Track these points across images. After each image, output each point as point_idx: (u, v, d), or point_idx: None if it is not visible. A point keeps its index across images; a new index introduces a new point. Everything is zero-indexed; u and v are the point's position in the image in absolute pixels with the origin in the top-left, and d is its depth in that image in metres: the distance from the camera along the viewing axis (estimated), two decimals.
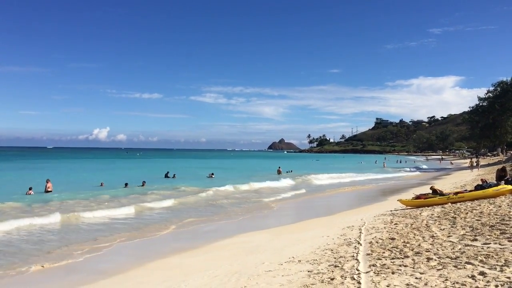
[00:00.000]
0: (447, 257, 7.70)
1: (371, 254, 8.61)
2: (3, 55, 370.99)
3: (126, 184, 30.93)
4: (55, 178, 35.53)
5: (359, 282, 6.63)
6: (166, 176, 43.55)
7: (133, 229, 16.53)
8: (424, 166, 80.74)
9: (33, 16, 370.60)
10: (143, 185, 31.60)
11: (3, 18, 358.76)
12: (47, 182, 28.32)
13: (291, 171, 51.82)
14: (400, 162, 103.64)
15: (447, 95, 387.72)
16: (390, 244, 9.47)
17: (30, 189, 26.72)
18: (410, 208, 16.85)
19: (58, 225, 16.73)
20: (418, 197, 17.63)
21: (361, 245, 9.87)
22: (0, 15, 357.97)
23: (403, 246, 9.07)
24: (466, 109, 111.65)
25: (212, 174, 44.45)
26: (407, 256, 8.05)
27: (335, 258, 8.79)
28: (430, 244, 8.97)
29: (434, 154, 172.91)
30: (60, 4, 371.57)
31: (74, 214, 18.75)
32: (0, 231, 15.08)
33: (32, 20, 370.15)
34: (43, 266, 11.24)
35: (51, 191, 27.70)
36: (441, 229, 10.82)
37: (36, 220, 17.24)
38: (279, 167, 52.88)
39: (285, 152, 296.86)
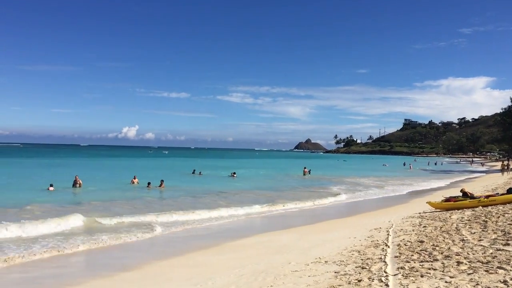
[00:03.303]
0: (478, 261, 7.54)
1: (399, 256, 8.51)
2: (36, 54, 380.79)
3: (149, 184, 30.46)
4: (89, 175, 36.35)
5: (387, 285, 6.56)
6: (193, 173, 46.33)
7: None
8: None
9: (63, 16, 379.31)
10: (161, 186, 30.71)
11: (36, 19, 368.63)
12: (75, 179, 29.10)
13: (310, 171, 51.53)
14: (436, 164, 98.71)
15: (478, 96, 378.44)
16: (419, 247, 9.33)
17: (51, 185, 27.31)
18: (439, 211, 16.58)
19: (80, 221, 16.92)
20: (447, 199, 17.33)
21: (389, 247, 9.76)
22: (33, 16, 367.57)
23: (432, 249, 8.93)
24: (498, 110, 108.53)
25: (234, 173, 44.38)
26: (437, 260, 7.92)
27: (362, 259, 8.72)
28: (460, 248, 8.81)
29: (464, 156, 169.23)
30: (89, 5, 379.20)
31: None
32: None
33: (62, 20, 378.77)
34: (62, 255, 11.53)
35: (80, 187, 28.60)
36: (471, 232, 10.61)
37: (59, 212, 17.81)
38: (305, 168, 52.67)
39: (321, 152, 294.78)
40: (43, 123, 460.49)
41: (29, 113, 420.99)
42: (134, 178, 32.84)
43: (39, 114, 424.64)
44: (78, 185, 28.70)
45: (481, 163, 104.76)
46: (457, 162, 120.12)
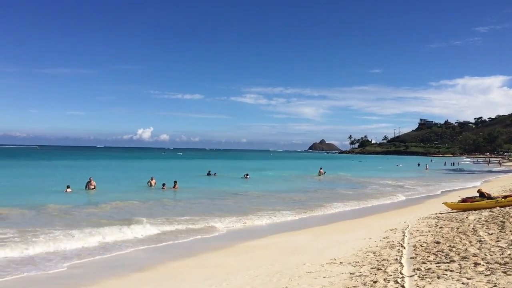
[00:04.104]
0: (496, 262, 7.45)
1: (415, 257, 8.45)
2: (52, 57, 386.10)
3: (163, 185, 30.48)
4: (105, 176, 36.69)
5: (403, 286, 6.52)
6: (208, 174, 46.22)
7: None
8: None
9: (78, 20, 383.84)
10: (174, 187, 30.71)
11: (51, 22, 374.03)
12: (90, 180, 29.26)
13: (325, 172, 51.30)
14: (454, 164, 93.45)
15: (494, 95, 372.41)
16: (435, 248, 9.25)
17: (68, 187, 27.47)
18: (456, 212, 16.41)
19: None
20: (464, 200, 17.15)
21: (404, 248, 9.69)
22: (48, 20, 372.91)
23: (449, 250, 8.85)
24: None
25: (247, 175, 44.10)
26: (453, 261, 7.84)
27: (377, 261, 8.67)
28: (478, 249, 8.71)
29: (481, 156, 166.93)
30: (103, 8, 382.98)
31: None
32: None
33: (77, 23, 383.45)
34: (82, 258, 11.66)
35: (94, 189, 28.68)
36: (489, 233, 10.48)
37: (80, 211, 18.22)
38: (321, 168, 52.50)
39: (336, 153, 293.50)
40: (59, 125, 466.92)
41: (46, 116, 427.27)
42: (152, 179, 32.68)
43: (55, 117, 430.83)
44: (92, 186, 28.81)
45: (499, 162, 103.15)
46: (473, 162, 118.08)
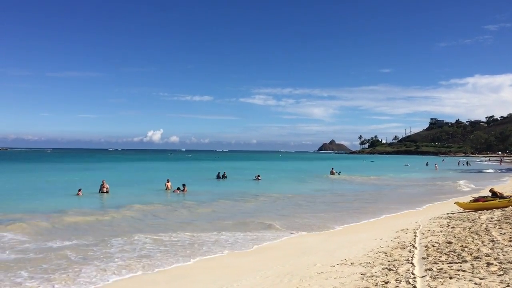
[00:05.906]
0: (509, 262, 7.39)
1: (427, 258, 8.39)
2: (63, 61, 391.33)
3: (178, 189, 30.10)
4: (115, 179, 36.84)
5: (414, 287, 6.48)
6: (218, 176, 44.96)
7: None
8: None
9: (89, 24, 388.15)
10: (183, 190, 29.99)
11: (63, 27, 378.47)
12: (103, 183, 29.21)
13: (339, 172, 51.04)
14: (469, 164, 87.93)
15: (505, 94, 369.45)
16: (447, 248, 9.19)
17: (80, 190, 27.48)
18: (467, 211, 16.28)
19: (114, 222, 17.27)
20: (476, 199, 17.02)
21: (416, 248, 9.64)
22: (61, 25, 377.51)
23: (461, 250, 8.78)
24: None
25: (259, 176, 43.62)
26: (466, 261, 7.78)
27: (389, 261, 8.63)
28: (490, 249, 8.63)
29: (493, 155, 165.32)
30: (113, 13, 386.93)
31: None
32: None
33: (88, 28, 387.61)
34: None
35: (107, 192, 28.52)
36: (501, 233, 10.39)
37: (93, 214, 18.27)
38: (332, 169, 52.37)
39: (347, 153, 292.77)
40: (71, 128, 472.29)
41: (57, 119, 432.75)
42: (168, 182, 31.91)
43: (67, 120, 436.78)
44: (105, 189, 28.78)
45: None
46: (488, 161, 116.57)
